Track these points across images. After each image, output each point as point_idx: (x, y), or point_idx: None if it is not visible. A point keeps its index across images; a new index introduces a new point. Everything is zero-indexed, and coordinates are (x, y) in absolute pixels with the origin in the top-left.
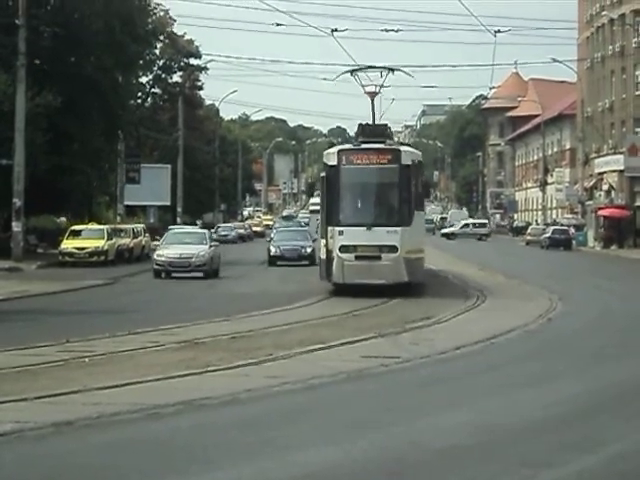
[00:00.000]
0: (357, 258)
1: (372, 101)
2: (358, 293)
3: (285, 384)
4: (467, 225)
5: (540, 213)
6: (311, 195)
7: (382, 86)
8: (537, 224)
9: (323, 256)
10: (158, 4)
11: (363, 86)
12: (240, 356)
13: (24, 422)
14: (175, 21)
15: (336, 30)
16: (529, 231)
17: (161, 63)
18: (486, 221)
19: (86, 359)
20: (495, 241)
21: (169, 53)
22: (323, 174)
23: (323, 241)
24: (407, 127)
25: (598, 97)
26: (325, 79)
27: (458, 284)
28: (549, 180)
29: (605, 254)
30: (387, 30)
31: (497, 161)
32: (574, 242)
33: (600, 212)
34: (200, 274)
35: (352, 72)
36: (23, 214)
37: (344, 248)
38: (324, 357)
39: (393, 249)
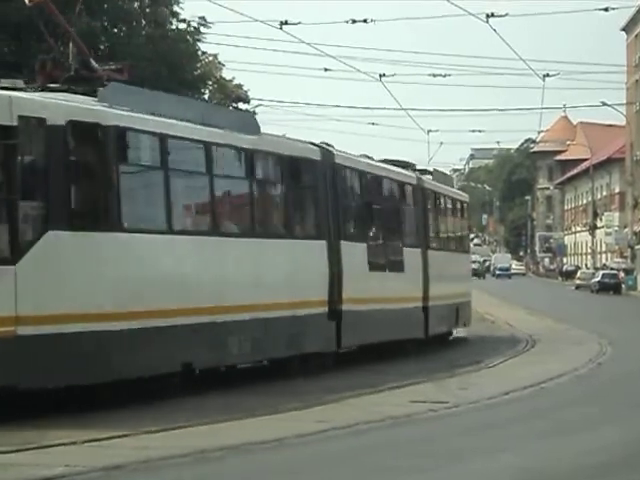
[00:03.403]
0: None
1: None
2: None
3: (333, 429)
4: None
5: (589, 257)
6: None
7: None
8: (587, 268)
9: None
10: (204, 52)
11: None
12: (288, 400)
13: (74, 466)
14: (224, 66)
15: (384, 75)
16: (579, 275)
17: None
18: None
19: None
20: (545, 285)
21: (218, 98)
22: None
23: None
24: (455, 171)
25: None
26: (373, 124)
27: (506, 328)
28: (598, 224)
29: None
30: (435, 75)
31: (546, 205)
32: (624, 286)
33: None
34: None
35: None
36: None
37: None
38: (373, 401)
39: None
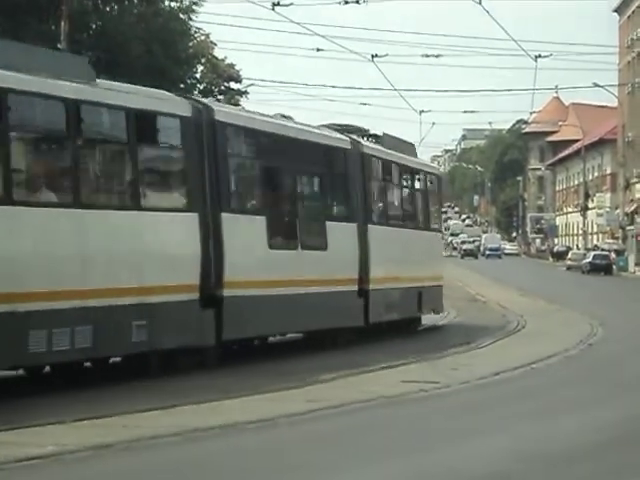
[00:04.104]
0: None
1: None
2: None
3: (325, 408)
4: None
5: (581, 238)
6: None
7: None
8: (578, 249)
9: None
10: (199, 28)
11: None
12: (280, 380)
13: (64, 445)
14: (216, 45)
15: (376, 55)
16: (570, 256)
17: (202, 87)
18: None
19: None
20: (536, 265)
21: (210, 77)
22: None
23: None
24: (447, 151)
25: (639, 122)
26: (365, 104)
27: (497, 309)
28: (590, 205)
29: None
30: (427, 55)
31: (537, 186)
32: (615, 267)
33: None
34: None
35: None
36: None
37: None
38: (364, 381)
39: None
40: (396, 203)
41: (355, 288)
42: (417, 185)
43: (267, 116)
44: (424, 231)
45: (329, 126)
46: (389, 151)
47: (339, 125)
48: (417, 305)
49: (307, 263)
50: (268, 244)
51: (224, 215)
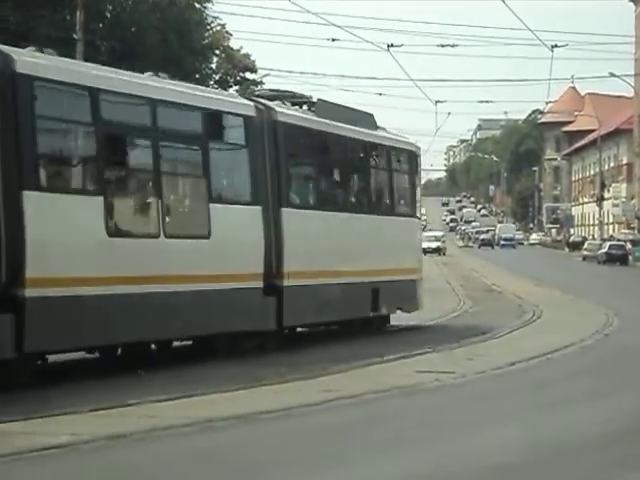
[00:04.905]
0: None
1: None
2: None
3: (339, 399)
4: None
5: (597, 228)
6: None
7: None
8: (594, 239)
9: None
10: (215, 17)
11: None
12: (294, 370)
13: (79, 434)
14: (232, 35)
15: (392, 45)
16: (585, 246)
17: (217, 77)
18: None
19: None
20: (551, 256)
21: (225, 67)
22: None
23: None
24: (463, 141)
25: None
26: (381, 94)
27: (513, 299)
28: (606, 195)
29: None
30: (443, 45)
31: (553, 176)
32: (631, 257)
33: None
34: None
35: None
36: None
37: None
38: (380, 372)
39: None
40: (337, 183)
41: (259, 285)
42: (374, 162)
43: (115, 71)
44: (386, 216)
45: (260, 92)
46: (326, 121)
47: (272, 90)
48: (371, 303)
49: (176, 255)
50: (106, 231)
51: (27, 194)
